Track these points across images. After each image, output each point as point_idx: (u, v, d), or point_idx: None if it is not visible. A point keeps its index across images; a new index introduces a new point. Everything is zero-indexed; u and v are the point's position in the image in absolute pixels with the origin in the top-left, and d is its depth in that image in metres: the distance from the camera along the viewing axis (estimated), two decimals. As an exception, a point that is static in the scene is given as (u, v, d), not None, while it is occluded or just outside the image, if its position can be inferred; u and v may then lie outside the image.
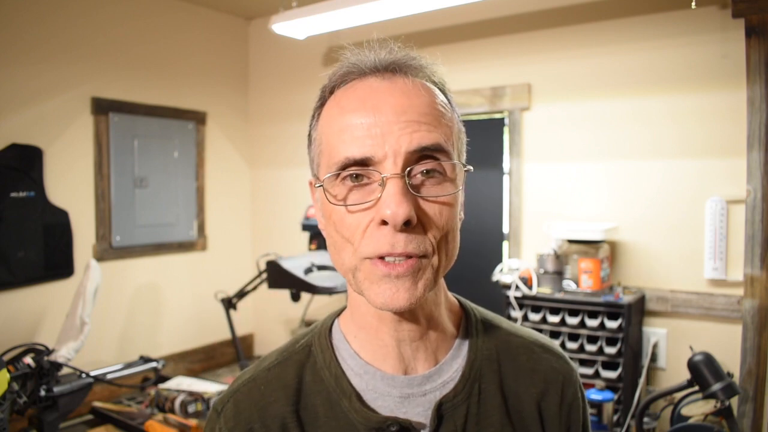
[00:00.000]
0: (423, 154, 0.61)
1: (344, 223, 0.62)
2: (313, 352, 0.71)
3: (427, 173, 0.62)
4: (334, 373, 0.69)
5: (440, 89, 0.67)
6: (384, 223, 0.60)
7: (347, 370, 0.69)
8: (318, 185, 0.66)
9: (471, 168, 0.69)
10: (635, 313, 2.10)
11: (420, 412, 0.67)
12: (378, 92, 0.62)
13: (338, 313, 0.75)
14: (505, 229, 2.59)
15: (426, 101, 0.63)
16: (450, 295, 0.75)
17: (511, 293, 2.21)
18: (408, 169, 0.61)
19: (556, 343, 0.79)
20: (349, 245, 0.63)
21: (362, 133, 0.60)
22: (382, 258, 0.61)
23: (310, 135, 0.70)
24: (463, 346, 0.72)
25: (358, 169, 0.61)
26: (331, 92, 0.68)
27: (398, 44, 0.68)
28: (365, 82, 0.64)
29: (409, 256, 0.60)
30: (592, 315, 2.10)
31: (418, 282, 0.61)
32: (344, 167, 0.62)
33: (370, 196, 0.61)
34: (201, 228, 3.21)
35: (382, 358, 0.69)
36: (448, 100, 0.68)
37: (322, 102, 0.69)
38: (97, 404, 2.20)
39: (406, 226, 0.59)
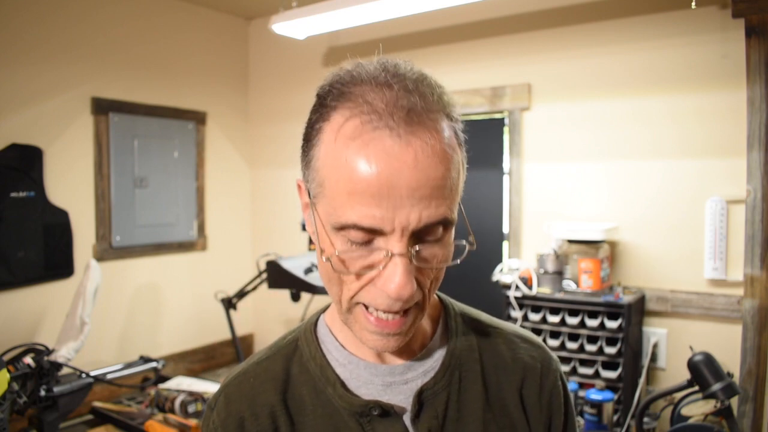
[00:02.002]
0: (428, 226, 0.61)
1: (342, 265, 0.62)
2: (299, 345, 0.75)
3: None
4: (319, 363, 0.72)
5: (453, 120, 0.63)
6: None
7: (332, 360, 0.72)
8: (311, 201, 0.64)
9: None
10: (635, 313, 2.10)
11: (402, 399, 0.70)
12: (393, 160, 0.57)
13: (324, 310, 0.78)
14: (505, 229, 2.59)
15: (441, 173, 0.59)
16: None
17: (511, 293, 2.21)
18: (413, 240, 0.60)
19: (535, 335, 0.82)
20: (341, 282, 0.63)
21: (372, 203, 0.58)
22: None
23: (309, 140, 0.64)
24: (443, 337, 0.75)
25: (362, 235, 0.60)
26: (335, 108, 0.61)
27: (408, 61, 0.63)
28: (379, 141, 0.57)
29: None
30: (592, 315, 2.10)
31: (407, 332, 0.65)
32: (348, 228, 0.60)
33: (371, 255, 0.60)
34: (201, 228, 3.22)
35: (366, 349, 0.71)
36: (457, 132, 0.63)
37: (325, 116, 0.62)
38: (97, 404, 2.20)
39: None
